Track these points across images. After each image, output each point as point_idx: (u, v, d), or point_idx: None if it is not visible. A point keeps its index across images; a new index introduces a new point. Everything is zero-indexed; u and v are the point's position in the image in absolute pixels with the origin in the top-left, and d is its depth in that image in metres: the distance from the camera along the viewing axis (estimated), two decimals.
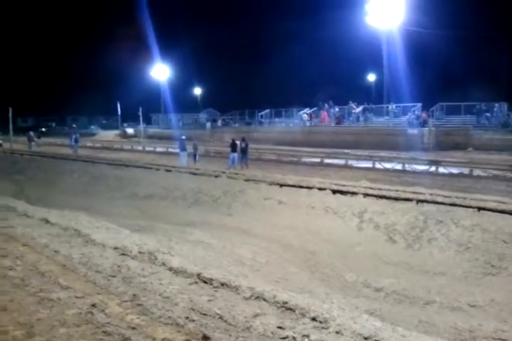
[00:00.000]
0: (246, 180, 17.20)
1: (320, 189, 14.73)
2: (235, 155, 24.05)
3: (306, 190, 14.99)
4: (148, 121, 66.57)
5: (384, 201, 13.30)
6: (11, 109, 42.30)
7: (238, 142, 24.09)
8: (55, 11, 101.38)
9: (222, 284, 6.22)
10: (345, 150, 28.74)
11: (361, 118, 42.19)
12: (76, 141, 36.32)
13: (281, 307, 5.54)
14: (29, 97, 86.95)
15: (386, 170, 22.10)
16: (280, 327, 5.03)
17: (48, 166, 26.36)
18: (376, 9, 40.27)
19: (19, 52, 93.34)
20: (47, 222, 10.22)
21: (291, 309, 5.47)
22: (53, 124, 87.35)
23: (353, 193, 14.05)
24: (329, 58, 63.58)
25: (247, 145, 24.12)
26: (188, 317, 5.29)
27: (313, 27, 65.99)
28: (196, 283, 6.37)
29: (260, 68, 72.90)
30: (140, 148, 40.19)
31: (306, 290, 7.56)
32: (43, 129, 72.92)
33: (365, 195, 13.82)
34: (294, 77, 62.59)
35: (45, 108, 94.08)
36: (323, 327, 5.05)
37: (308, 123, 44.95)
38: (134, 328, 5.12)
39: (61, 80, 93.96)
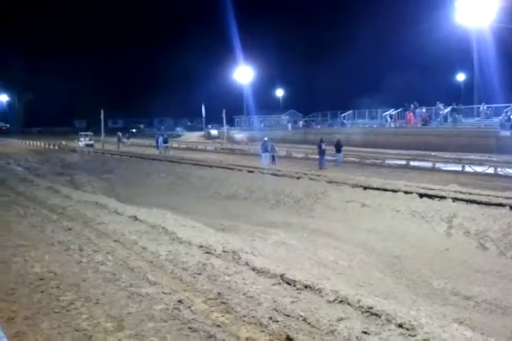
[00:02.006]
0: (328, 182, 17.03)
1: (406, 192, 14.29)
2: (340, 154, 25.06)
3: (391, 193, 14.60)
4: (231, 123, 67.69)
5: (475, 206, 12.69)
6: (102, 111, 44.57)
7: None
8: (142, 16, 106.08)
9: (306, 286, 6.18)
10: (433, 153, 27.74)
11: (449, 120, 40.53)
12: (165, 141, 37.55)
13: (366, 312, 5.43)
14: (120, 100, 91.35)
15: (476, 173, 21.08)
16: (365, 332, 4.93)
17: (136, 166, 27.48)
18: (467, 6, 38.59)
19: (110, 56, 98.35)
20: (136, 219, 10.64)
21: (376, 314, 5.34)
22: (142, 126, 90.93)
23: (442, 197, 13.51)
24: (416, 57, 61.79)
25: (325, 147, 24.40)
26: (271, 318, 5.31)
27: (399, 25, 64.21)
28: (279, 284, 6.38)
29: (344, 68, 72.01)
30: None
31: (392, 296, 7.36)
32: (134, 130, 76.19)
33: (455, 199, 13.25)
34: (379, 78, 61.28)
35: (134, 110, 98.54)
36: (410, 335, 4.90)
37: (392, 125, 43.84)
38: (218, 326, 5.21)
39: (149, 84, 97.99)
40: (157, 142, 39.05)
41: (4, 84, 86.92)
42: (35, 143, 49.68)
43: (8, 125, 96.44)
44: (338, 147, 25.33)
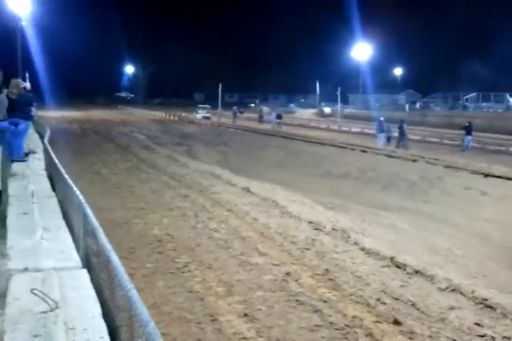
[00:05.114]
0: (446, 167, 16.28)
1: None
2: (470, 138, 24.82)
3: None
4: (345, 101, 66.50)
5: None
6: (220, 85, 45.73)
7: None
8: None
9: (417, 271, 6.03)
10: None
11: None
12: (279, 117, 37.92)
13: (480, 303, 5.21)
14: (237, 75, 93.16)
15: None
16: (478, 324, 4.74)
17: (250, 140, 28.03)
18: None
19: (231, 32, 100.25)
20: (248, 191, 10.92)
21: (491, 307, 5.11)
22: (257, 101, 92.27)
23: None
24: None
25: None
26: (379, 299, 5.25)
27: None
28: (389, 266, 6.27)
29: (468, 48, 67.43)
30: (335, 127, 40.48)
31: (508, 290, 6.93)
32: (252, 105, 77.63)
33: None
34: (507, 57, 56.49)
35: (249, 85, 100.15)
36: None
37: None
38: (325, 301, 5.25)
39: (265, 60, 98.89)
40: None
41: (131, 56, 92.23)
42: (156, 113, 52.32)
43: (132, 95, 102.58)
44: (469, 130, 24.68)
